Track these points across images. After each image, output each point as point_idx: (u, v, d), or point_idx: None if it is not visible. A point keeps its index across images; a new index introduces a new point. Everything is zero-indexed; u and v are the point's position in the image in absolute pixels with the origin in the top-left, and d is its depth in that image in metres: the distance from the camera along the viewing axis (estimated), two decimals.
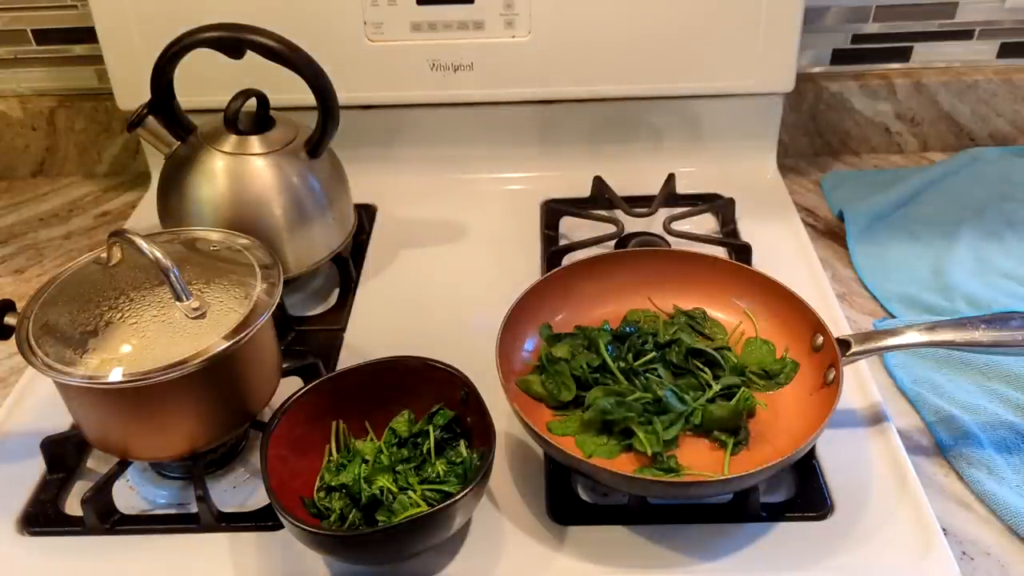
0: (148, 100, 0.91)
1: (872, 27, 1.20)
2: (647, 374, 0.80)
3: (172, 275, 0.69)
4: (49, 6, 1.18)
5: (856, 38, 1.21)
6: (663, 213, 1.05)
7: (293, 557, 0.70)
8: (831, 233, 1.09)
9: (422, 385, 0.76)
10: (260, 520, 0.73)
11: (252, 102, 0.91)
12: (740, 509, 0.72)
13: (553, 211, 1.08)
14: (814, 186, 1.18)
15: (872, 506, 0.72)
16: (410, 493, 0.70)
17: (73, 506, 0.76)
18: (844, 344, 0.76)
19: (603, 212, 1.07)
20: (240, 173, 0.91)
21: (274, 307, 0.73)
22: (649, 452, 0.72)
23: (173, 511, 0.76)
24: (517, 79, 1.10)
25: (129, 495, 0.78)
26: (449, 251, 1.06)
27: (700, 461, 0.74)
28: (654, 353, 0.82)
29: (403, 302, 0.98)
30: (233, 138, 0.91)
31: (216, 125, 0.92)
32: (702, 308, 0.87)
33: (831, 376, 0.75)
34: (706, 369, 0.81)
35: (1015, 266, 0.99)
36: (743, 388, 0.78)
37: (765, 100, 1.13)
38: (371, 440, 0.76)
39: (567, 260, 0.98)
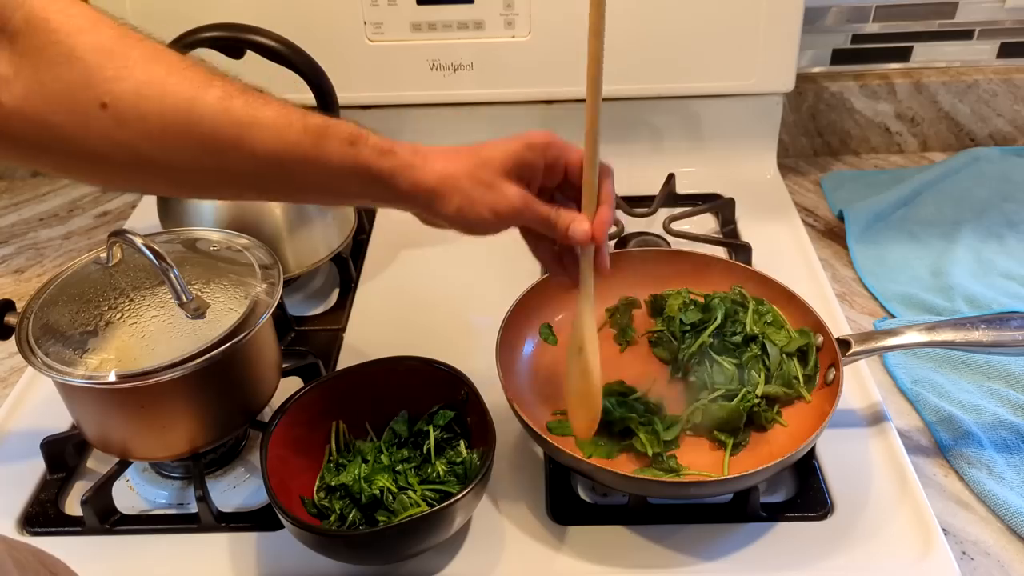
0: None
1: (872, 27, 1.20)
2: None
3: (172, 275, 0.69)
4: None
5: (856, 38, 1.21)
6: (663, 213, 1.05)
7: (293, 557, 0.70)
8: (831, 233, 1.09)
9: (422, 385, 0.76)
10: (260, 520, 0.73)
11: None
12: (740, 509, 0.72)
13: None
14: (814, 186, 1.18)
15: (872, 506, 0.72)
16: (410, 493, 0.70)
17: (73, 506, 0.76)
18: (844, 344, 0.76)
19: None
20: None
21: (274, 307, 0.73)
22: (649, 452, 0.72)
23: (173, 511, 0.76)
24: (517, 79, 1.10)
25: (129, 495, 0.78)
26: (449, 251, 1.06)
27: (700, 461, 0.74)
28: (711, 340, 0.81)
29: (403, 302, 0.98)
30: None
31: None
32: (740, 287, 0.85)
33: (831, 376, 0.75)
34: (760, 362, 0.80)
35: (1015, 266, 1.00)
36: (745, 390, 0.77)
37: (765, 100, 1.13)
38: (371, 440, 0.76)
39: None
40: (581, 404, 0.71)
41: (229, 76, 0.60)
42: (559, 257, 0.70)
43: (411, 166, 0.63)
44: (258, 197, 0.70)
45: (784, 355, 0.79)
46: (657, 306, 0.86)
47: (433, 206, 0.64)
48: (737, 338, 0.80)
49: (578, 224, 0.65)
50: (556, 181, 0.67)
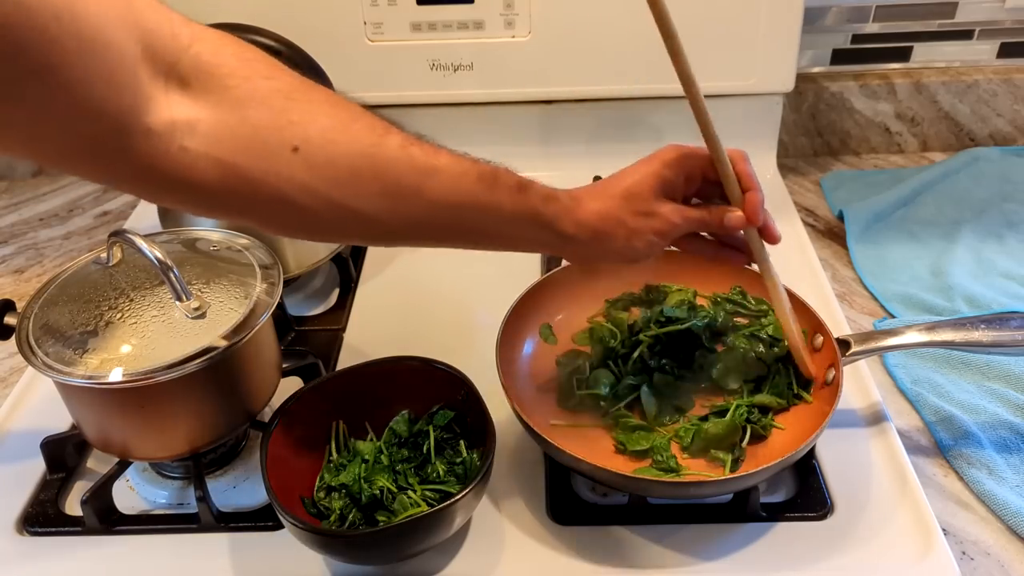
0: None
1: (872, 27, 1.20)
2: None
3: (172, 275, 0.69)
4: None
5: (856, 38, 1.21)
6: None
7: (293, 557, 0.70)
8: (831, 233, 1.09)
9: (422, 385, 0.76)
10: (260, 520, 0.73)
11: None
12: (740, 509, 0.72)
13: None
14: (814, 186, 1.18)
15: (872, 506, 0.72)
16: (410, 493, 0.70)
17: (73, 506, 0.76)
18: (844, 344, 0.76)
19: None
20: None
21: (274, 307, 0.73)
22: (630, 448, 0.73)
23: (173, 511, 0.76)
24: (517, 79, 1.10)
25: (129, 495, 0.78)
26: (449, 251, 1.05)
27: (700, 461, 0.74)
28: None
29: (403, 302, 0.98)
30: None
31: None
32: (740, 287, 0.86)
33: (831, 376, 0.75)
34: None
35: (1015, 266, 1.00)
36: (737, 403, 0.77)
37: (765, 100, 1.13)
38: (371, 440, 0.76)
39: (566, 260, 0.97)
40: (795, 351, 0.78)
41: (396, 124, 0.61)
42: (723, 246, 0.74)
43: (571, 209, 0.65)
44: (434, 244, 0.72)
45: (778, 363, 0.79)
46: (650, 298, 0.86)
47: (600, 244, 0.67)
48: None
49: (732, 214, 0.69)
50: (696, 186, 0.71)
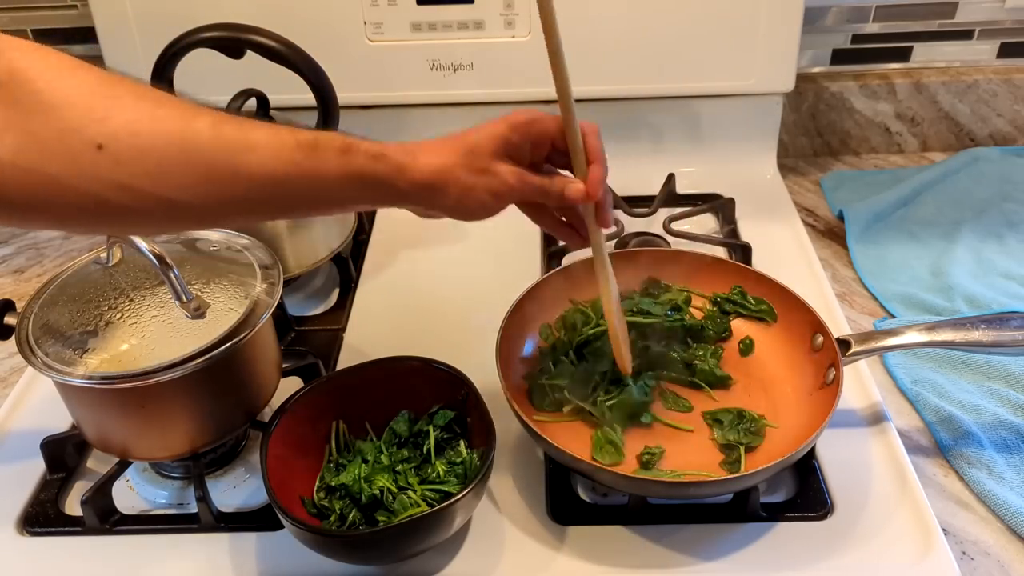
0: None
1: (872, 27, 1.20)
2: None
3: (172, 275, 0.69)
4: (49, 6, 1.18)
5: (856, 38, 1.21)
6: (663, 213, 1.05)
7: (293, 557, 0.70)
8: (831, 233, 1.09)
9: (422, 385, 0.76)
10: (260, 520, 0.73)
11: (252, 102, 0.91)
12: (740, 509, 0.72)
13: None
14: (814, 186, 1.18)
15: (872, 506, 0.72)
16: (410, 493, 0.70)
17: (73, 506, 0.76)
18: (844, 344, 0.76)
19: None
20: None
21: (274, 307, 0.73)
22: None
23: (173, 511, 0.76)
24: (517, 79, 1.10)
25: (129, 495, 0.78)
26: (449, 251, 1.06)
27: (700, 461, 0.74)
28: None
29: (403, 302, 0.98)
30: None
31: None
32: (740, 287, 0.87)
33: (831, 376, 0.75)
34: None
35: (1015, 266, 1.00)
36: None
37: (765, 100, 1.13)
38: (371, 440, 0.76)
39: (567, 260, 0.98)
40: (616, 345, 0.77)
41: (213, 106, 0.59)
42: (562, 223, 0.72)
43: (405, 166, 0.63)
44: (260, 219, 0.69)
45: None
46: (649, 292, 0.87)
47: (433, 200, 0.65)
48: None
49: (572, 186, 0.67)
50: (544, 153, 0.69)
